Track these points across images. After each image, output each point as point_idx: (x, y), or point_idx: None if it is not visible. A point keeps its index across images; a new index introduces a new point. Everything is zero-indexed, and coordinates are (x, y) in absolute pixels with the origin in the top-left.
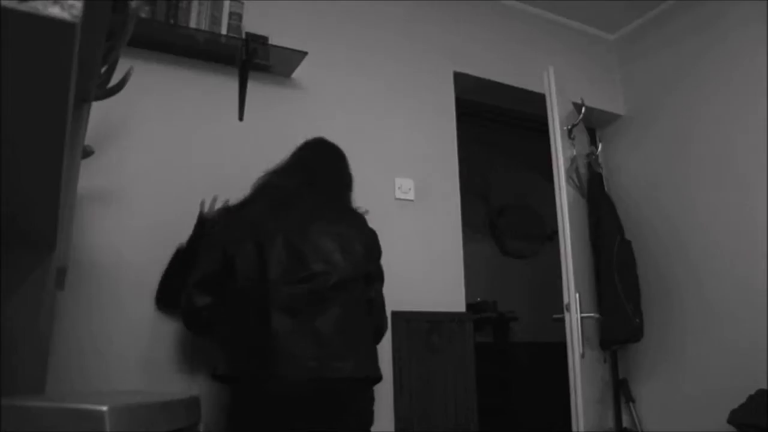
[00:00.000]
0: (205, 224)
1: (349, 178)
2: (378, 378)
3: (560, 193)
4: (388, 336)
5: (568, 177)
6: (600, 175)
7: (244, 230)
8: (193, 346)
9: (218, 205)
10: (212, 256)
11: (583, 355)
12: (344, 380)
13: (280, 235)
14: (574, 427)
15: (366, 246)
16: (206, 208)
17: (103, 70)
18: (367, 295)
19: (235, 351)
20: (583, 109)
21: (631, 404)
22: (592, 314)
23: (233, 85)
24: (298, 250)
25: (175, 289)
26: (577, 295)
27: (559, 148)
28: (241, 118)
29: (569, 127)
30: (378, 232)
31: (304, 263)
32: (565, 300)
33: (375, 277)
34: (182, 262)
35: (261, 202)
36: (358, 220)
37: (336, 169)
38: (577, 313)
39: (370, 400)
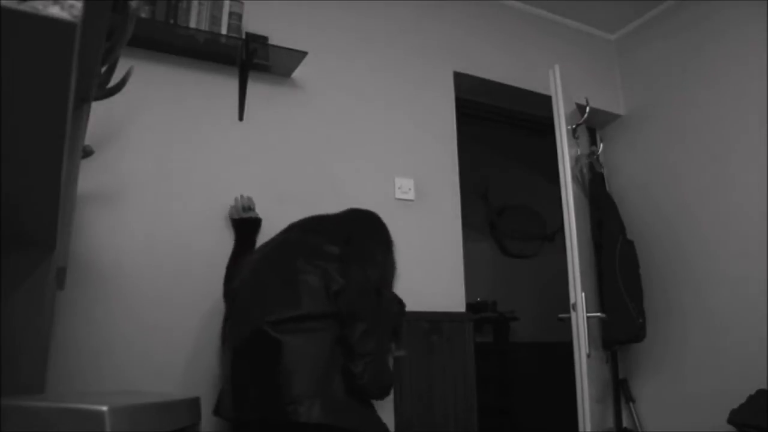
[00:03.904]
0: (242, 224)
1: (372, 228)
2: (352, 430)
3: (566, 193)
4: None
5: (573, 176)
6: (602, 175)
7: (235, 283)
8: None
9: (247, 200)
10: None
11: (589, 355)
12: (302, 426)
13: (249, 280)
14: (580, 427)
15: (341, 285)
16: (237, 211)
17: (103, 70)
18: (340, 334)
19: (220, 389)
20: (588, 109)
21: (631, 404)
22: (598, 314)
23: (233, 85)
24: (259, 294)
25: None
26: (583, 294)
27: (565, 148)
28: (241, 118)
29: (573, 126)
30: None
31: (262, 301)
32: (572, 300)
33: (355, 317)
34: (232, 271)
35: (261, 247)
36: (352, 257)
37: (358, 223)
38: (583, 312)
39: None
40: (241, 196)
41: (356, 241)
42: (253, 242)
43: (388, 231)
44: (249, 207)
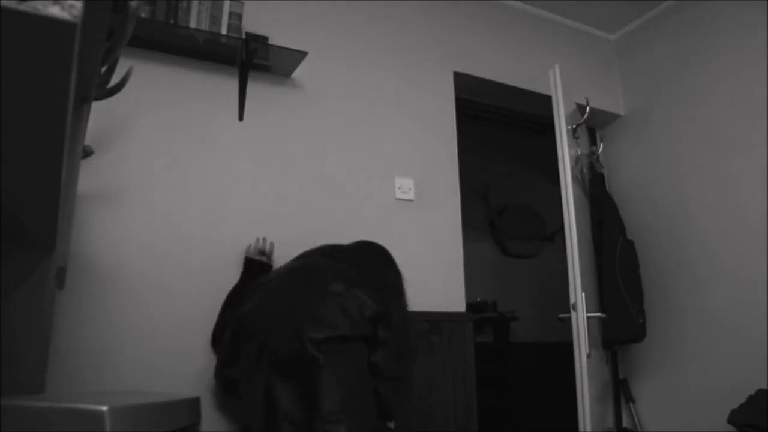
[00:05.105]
0: (252, 265)
1: (387, 259)
2: None
3: (566, 193)
4: None
5: (573, 176)
6: (602, 175)
7: (253, 299)
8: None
9: (268, 245)
10: (230, 329)
11: (589, 355)
12: None
13: (279, 299)
14: (580, 427)
15: (374, 311)
16: (252, 250)
17: (103, 70)
18: (369, 358)
19: (248, 418)
20: (588, 109)
21: (631, 404)
22: (598, 314)
23: (233, 85)
24: (295, 312)
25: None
26: (583, 294)
27: (565, 148)
28: (241, 118)
29: (573, 126)
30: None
31: (300, 326)
32: (572, 300)
33: (381, 342)
34: (230, 303)
35: (279, 270)
36: (378, 286)
37: (372, 253)
38: (583, 312)
39: None
40: (263, 239)
41: (387, 274)
42: None
43: (396, 264)
44: (262, 251)
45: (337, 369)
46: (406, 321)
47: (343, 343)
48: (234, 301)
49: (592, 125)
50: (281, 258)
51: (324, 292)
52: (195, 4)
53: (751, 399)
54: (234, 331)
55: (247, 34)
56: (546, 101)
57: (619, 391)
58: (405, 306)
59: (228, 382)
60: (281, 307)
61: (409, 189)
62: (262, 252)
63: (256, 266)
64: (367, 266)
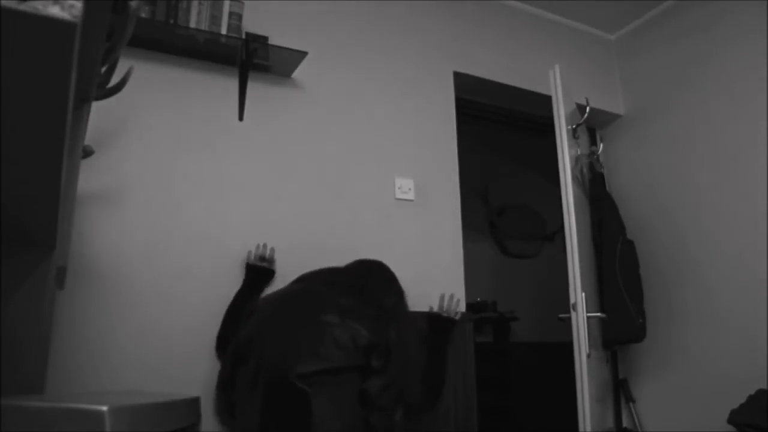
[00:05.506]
0: (253, 271)
1: (388, 280)
2: None
3: (566, 193)
4: None
5: (573, 176)
6: (602, 175)
7: (250, 324)
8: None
9: (268, 251)
10: (230, 351)
11: (589, 355)
12: None
13: (274, 326)
14: (581, 427)
15: (368, 341)
16: (252, 256)
17: (103, 70)
18: (362, 386)
19: None
20: (588, 109)
21: (631, 404)
22: (598, 314)
23: (233, 85)
24: (288, 343)
25: (229, 338)
26: (583, 294)
27: (565, 148)
28: (241, 118)
29: (573, 126)
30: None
31: (289, 352)
32: (572, 300)
33: (375, 371)
34: (232, 311)
35: (277, 294)
36: (377, 314)
37: (372, 276)
38: (583, 312)
39: None
40: (264, 245)
41: (387, 299)
42: (260, 291)
43: (398, 280)
44: (263, 257)
45: (329, 401)
46: (408, 347)
47: (336, 374)
48: (236, 309)
49: (592, 125)
50: (280, 259)
51: (319, 322)
52: (195, 4)
53: (751, 399)
54: (232, 355)
55: (247, 34)
56: (546, 101)
57: (619, 391)
58: (407, 329)
59: (226, 404)
60: (275, 335)
61: (409, 189)
62: (263, 258)
63: (257, 272)
64: (367, 293)
